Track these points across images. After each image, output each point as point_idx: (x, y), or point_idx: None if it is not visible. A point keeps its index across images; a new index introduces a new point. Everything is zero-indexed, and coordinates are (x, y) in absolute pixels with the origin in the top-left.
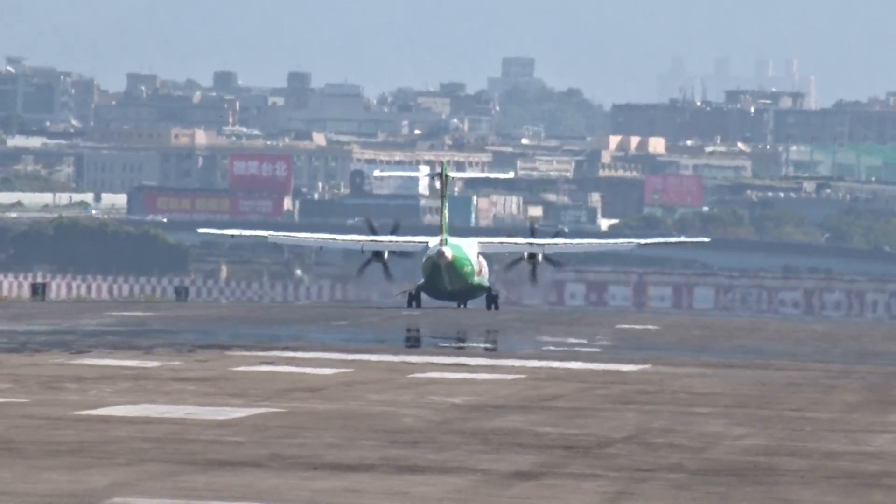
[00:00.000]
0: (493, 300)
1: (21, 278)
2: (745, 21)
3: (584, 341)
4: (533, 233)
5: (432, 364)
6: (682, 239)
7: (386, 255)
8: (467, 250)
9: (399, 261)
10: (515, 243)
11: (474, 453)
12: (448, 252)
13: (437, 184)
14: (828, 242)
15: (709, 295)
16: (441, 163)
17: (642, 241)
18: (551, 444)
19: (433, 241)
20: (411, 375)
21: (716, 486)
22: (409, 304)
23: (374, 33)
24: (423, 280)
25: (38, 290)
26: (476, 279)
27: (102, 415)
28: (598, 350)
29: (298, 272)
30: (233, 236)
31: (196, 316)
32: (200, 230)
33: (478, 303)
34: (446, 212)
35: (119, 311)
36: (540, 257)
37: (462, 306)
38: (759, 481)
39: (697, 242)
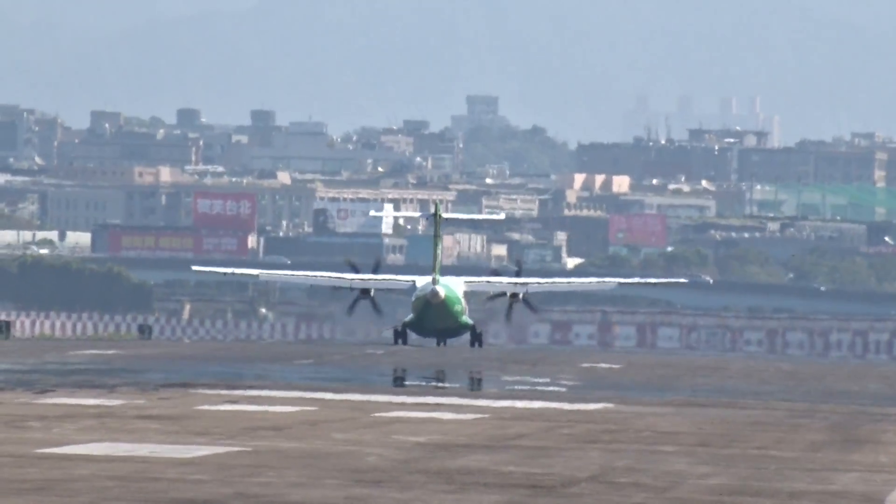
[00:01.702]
0: (477, 337)
1: None
2: (709, 59)
3: (548, 380)
4: (519, 272)
5: (397, 403)
6: (661, 280)
7: (372, 292)
8: (456, 289)
9: (382, 296)
10: (500, 282)
11: (438, 493)
12: (441, 291)
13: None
14: (791, 282)
15: (673, 334)
16: (435, 203)
17: (622, 280)
18: (515, 484)
19: (420, 280)
20: (375, 414)
21: None
22: (396, 341)
23: (338, 71)
24: (411, 316)
25: (2, 328)
26: (463, 318)
27: (66, 453)
28: (562, 389)
29: (263, 310)
30: (225, 274)
31: (160, 354)
32: (195, 268)
33: (459, 339)
34: (439, 251)
35: (83, 350)
36: (521, 296)
37: (443, 344)
38: None
39: (675, 283)
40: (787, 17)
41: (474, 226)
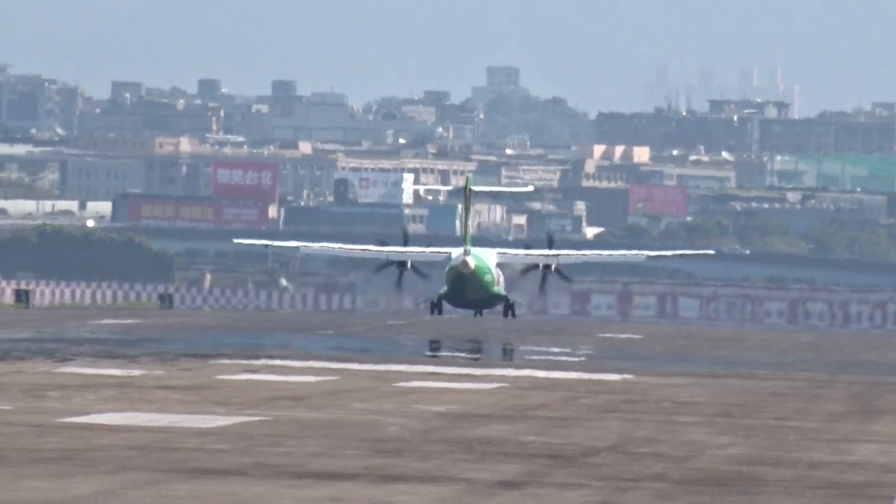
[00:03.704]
0: (510, 308)
1: (4, 284)
2: (730, 30)
3: (569, 350)
4: (551, 244)
5: (417, 373)
6: (689, 252)
7: (409, 264)
8: (488, 260)
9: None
10: (532, 254)
11: (458, 462)
12: (471, 262)
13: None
14: (812, 253)
15: (693, 305)
16: (466, 177)
17: (651, 252)
18: (535, 454)
19: (455, 252)
20: (396, 384)
21: (699, 495)
22: (432, 312)
23: (359, 42)
24: (445, 288)
25: (22, 297)
26: (495, 288)
27: (86, 423)
28: (581, 359)
29: (283, 281)
30: (266, 246)
31: (180, 324)
32: (236, 240)
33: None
34: (469, 223)
35: (103, 319)
36: (553, 268)
37: (479, 314)
38: (743, 491)
39: (703, 255)
40: None
41: (494, 196)
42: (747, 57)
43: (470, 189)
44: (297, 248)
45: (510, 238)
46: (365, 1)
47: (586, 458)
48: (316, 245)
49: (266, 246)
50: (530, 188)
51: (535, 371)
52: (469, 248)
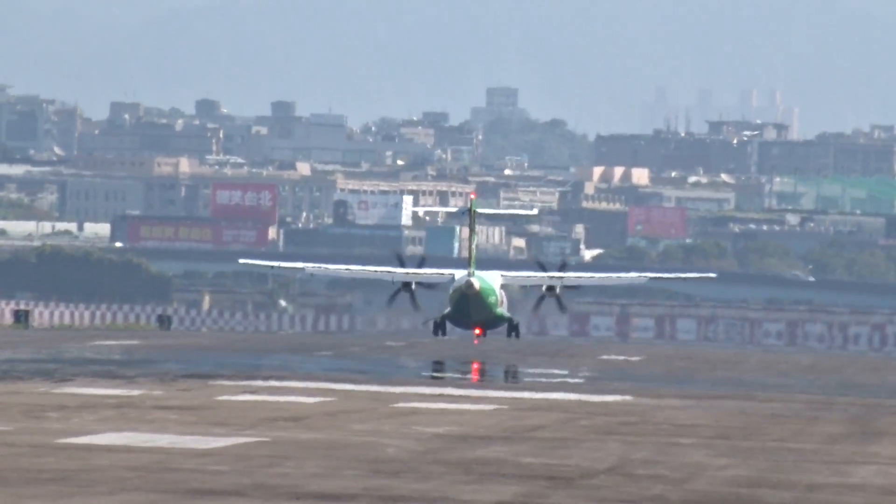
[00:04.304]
0: (514, 329)
1: (3, 305)
2: (729, 51)
3: (567, 372)
4: (563, 269)
5: (416, 394)
6: (691, 275)
7: (413, 285)
8: (492, 282)
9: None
10: (536, 276)
11: (457, 483)
12: (475, 283)
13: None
14: (811, 274)
15: (692, 326)
16: (470, 199)
17: (653, 275)
18: (534, 475)
19: (459, 274)
20: (395, 405)
21: None
22: (436, 333)
23: (358, 62)
24: (449, 309)
25: (21, 317)
26: (499, 310)
27: (85, 443)
28: (581, 381)
29: (282, 302)
30: (272, 267)
31: (179, 345)
32: (242, 261)
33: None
34: (474, 245)
35: (102, 340)
36: (557, 290)
37: (483, 336)
38: None
39: (704, 278)
40: (807, 9)
41: (493, 217)
42: (746, 78)
43: (474, 211)
44: (302, 269)
45: (522, 258)
46: (364, 21)
47: (585, 479)
48: (321, 266)
49: (272, 267)
50: (535, 211)
51: (534, 392)
52: (474, 269)
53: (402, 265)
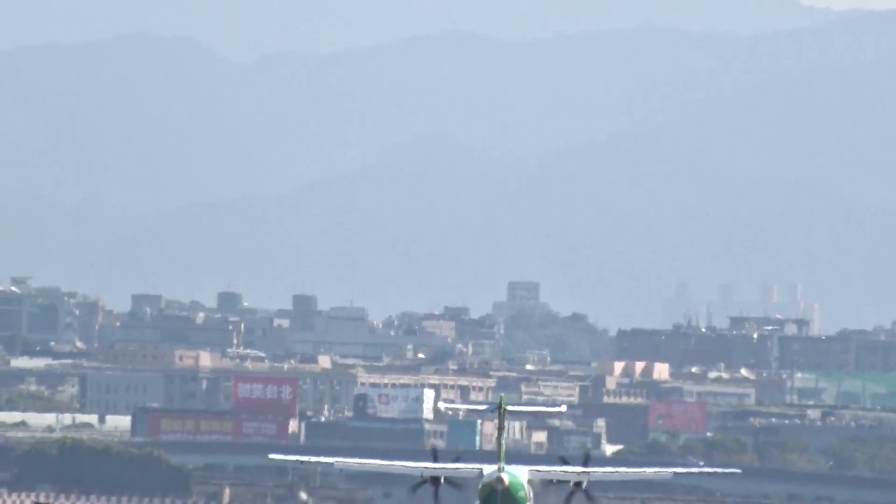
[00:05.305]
0: None
1: (24, 497)
2: (750, 247)
3: None
4: (587, 461)
5: None
6: (715, 469)
7: (441, 480)
8: (520, 477)
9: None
10: (564, 471)
11: None
12: (506, 478)
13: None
14: (832, 470)
15: None
16: (500, 396)
17: (677, 469)
18: None
19: (488, 468)
20: None
21: None
22: None
23: (379, 255)
24: (478, 503)
25: None
26: None
27: None
28: None
29: (303, 495)
30: (302, 462)
31: None
32: (272, 456)
33: None
34: (503, 441)
35: None
36: (584, 485)
37: None
38: None
39: (729, 473)
40: (827, 205)
41: (518, 414)
42: (767, 274)
43: (504, 408)
44: (332, 463)
45: (542, 453)
46: (384, 215)
47: None
48: (352, 461)
49: (301, 462)
50: (563, 408)
51: None
52: (503, 464)
53: (436, 459)
